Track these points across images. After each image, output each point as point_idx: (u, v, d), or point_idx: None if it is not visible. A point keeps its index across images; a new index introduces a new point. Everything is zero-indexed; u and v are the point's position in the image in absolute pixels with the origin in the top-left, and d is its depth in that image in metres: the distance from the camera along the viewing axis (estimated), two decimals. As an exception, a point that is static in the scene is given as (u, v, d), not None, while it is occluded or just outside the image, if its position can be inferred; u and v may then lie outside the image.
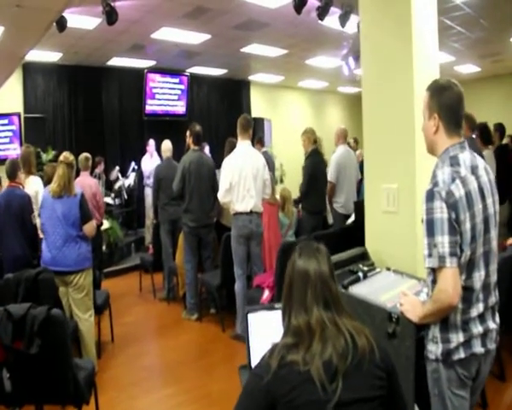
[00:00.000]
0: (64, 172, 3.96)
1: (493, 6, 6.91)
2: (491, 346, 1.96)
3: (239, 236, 4.79)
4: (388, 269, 2.74)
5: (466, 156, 1.97)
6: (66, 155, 4.06)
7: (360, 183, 6.08)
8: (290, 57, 9.96)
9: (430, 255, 1.86)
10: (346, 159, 6.10)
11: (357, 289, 2.42)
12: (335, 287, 1.58)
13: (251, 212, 4.75)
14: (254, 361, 2.19)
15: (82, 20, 6.71)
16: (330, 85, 14.20)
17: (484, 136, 5.39)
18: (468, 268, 1.89)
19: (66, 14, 5.81)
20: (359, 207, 3.61)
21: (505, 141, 6.66)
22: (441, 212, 1.84)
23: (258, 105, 13.15)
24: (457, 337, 1.89)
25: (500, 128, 6.35)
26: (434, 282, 1.92)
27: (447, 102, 1.98)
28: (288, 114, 13.97)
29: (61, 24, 5.88)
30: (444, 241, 1.82)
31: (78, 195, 4.01)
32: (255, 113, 12.87)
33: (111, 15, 5.79)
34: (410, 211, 2.87)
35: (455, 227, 1.83)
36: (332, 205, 6.10)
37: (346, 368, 1.40)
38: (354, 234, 4.48)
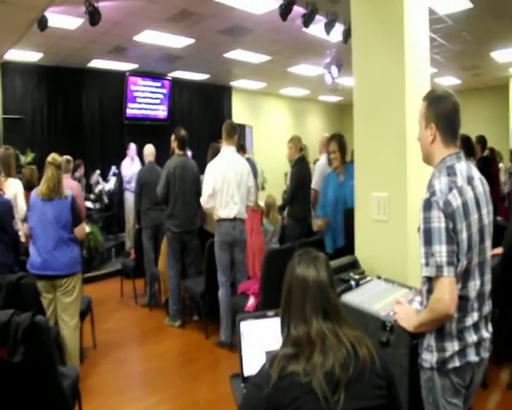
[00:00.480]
0: (53, 174, 3.86)
1: (475, 19, 7.04)
2: (485, 355, 1.99)
3: (222, 242, 4.75)
4: (379, 277, 2.73)
5: (462, 167, 1.99)
6: (54, 157, 3.95)
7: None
8: (273, 64, 9.99)
9: (427, 264, 1.87)
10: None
11: (350, 298, 2.41)
12: (335, 296, 1.57)
13: (234, 218, 4.73)
14: (247, 370, 2.17)
15: (64, 20, 6.62)
16: (311, 94, 14.30)
17: (466, 148, 5.46)
18: (463, 278, 1.91)
19: (48, 13, 5.72)
20: (348, 215, 3.61)
21: (485, 153, 6.77)
22: (439, 221, 1.84)
23: (240, 111, 13.17)
24: (453, 346, 1.90)
25: (482, 140, 6.47)
26: (430, 291, 1.93)
27: (444, 112, 2.00)
28: (269, 121, 14.02)
29: (43, 23, 5.77)
30: (441, 250, 1.83)
31: (69, 196, 3.93)
32: (236, 119, 12.84)
33: (94, 16, 5.71)
34: (401, 220, 2.88)
35: (452, 237, 1.84)
36: (315, 212, 6.11)
37: (348, 378, 1.39)
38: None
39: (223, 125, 4.97)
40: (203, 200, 4.76)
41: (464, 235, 1.87)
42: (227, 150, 4.87)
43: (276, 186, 10.37)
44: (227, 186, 4.69)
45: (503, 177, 8.33)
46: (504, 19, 6.98)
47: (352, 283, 2.57)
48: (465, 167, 2.00)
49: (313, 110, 15.96)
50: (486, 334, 2.00)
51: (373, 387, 1.44)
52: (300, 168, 6.01)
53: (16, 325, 2.55)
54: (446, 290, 1.83)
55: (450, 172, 1.95)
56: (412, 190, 2.87)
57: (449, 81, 11.76)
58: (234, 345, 4.75)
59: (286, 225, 6.16)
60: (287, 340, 1.51)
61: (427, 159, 2.09)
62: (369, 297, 2.42)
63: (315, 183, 6.02)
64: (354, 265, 2.98)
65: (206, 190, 4.71)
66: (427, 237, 1.87)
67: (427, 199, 1.90)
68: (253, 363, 2.16)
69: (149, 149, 6.48)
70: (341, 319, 1.53)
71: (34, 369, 2.62)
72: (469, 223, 1.90)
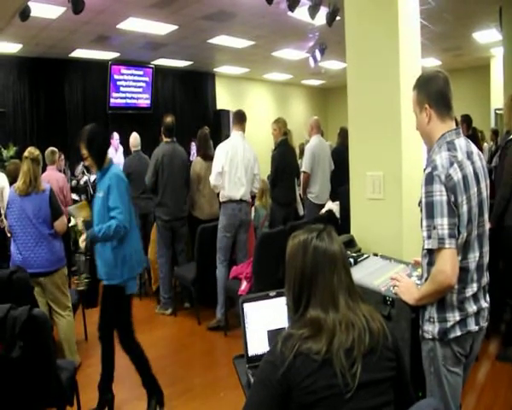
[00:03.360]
0: (29, 168, 3.76)
1: (457, 0, 7.05)
2: (484, 324, 2.04)
3: (229, 225, 4.82)
4: (376, 255, 2.76)
5: (461, 142, 2.03)
6: (30, 150, 3.86)
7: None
8: (257, 49, 9.93)
9: (429, 237, 1.89)
10: (320, 149, 6.15)
11: (351, 275, 2.42)
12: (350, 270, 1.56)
13: (241, 200, 4.83)
14: (251, 350, 2.16)
15: (44, 9, 6.47)
16: (294, 78, 14.28)
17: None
18: (463, 249, 1.94)
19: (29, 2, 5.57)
20: (344, 194, 3.63)
21: (469, 132, 6.79)
22: (441, 195, 1.87)
23: (224, 97, 13.10)
24: (454, 316, 1.95)
25: (467, 119, 6.50)
26: (430, 264, 1.96)
27: (435, 89, 2.04)
28: (252, 107, 13.94)
29: (25, 12, 5.63)
30: (443, 223, 1.86)
31: (47, 190, 3.84)
32: (220, 105, 12.83)
33: (77, 4, 5.58)
34: (397, 198, 2.91)
35: (453, 210, 1.87)
36: (306, 195, 6.13)
37: (363, 352, 1.39)
38: (329, 223, 4.53)
39: (233, 113, 5.18)
40: (212, 178, 4.83)
41: (465, 208, 1.91)
42: (236, 135, 4.99)
43: (262, 167, 10.33)
44: (235, 168, 4.80)
45: (485, 156, 8.43)
46: (485, -1, 7.02)
47: (351, 260, 2.58)
48: (464, 143, 2.03)
49: (296, 94, 15.95)
50: (485, 304, 2.04)
51: (384, 360, 1.45)
52: (281, 152, 5.99)
53: (13, 319, 2.51)
54: (448, 262, 1.86)
55: (451, 147, 1.97)
56: (407, 168, 2.91)
57: (430, 62, 11.79)
58: (227, 328, 4.79)
59: (271, 210, 6.16)
60: (301, 320, 1.46)
61: (429, 141, 2.10)
62: (369, 274, 2.44)
63: (306, 166, 6.04)
64: (351, 243, 3.00)
65: (216, 168, 4.79)
66: (429, 211, 1.89)
67: (428, 173, 1.92)
68: (255, 343, 2.16)
69: (136, 139, 6.41)
70: (357, 294, 1.52)
71: (33, 363, 2.59)
72: (469, 196, 1.93)
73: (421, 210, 1.95)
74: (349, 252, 2.73)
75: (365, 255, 2.74)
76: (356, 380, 1.35)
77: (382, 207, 2.99)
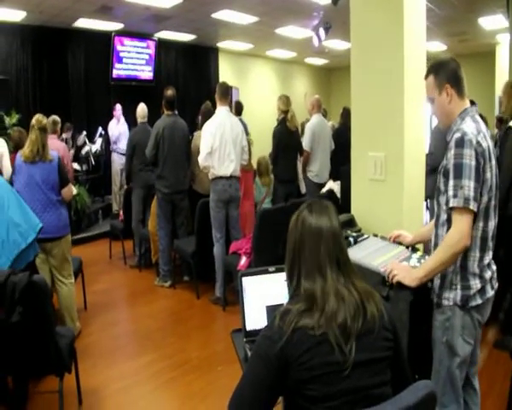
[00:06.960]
0: (37, 138, 3.76)
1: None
2: (496, 285, 2.14)
3: (219, 200, 4.82)
4: (375, 235, 2.77)
5: (479, 119, 2.12)
6: (38, 119, 3.83)
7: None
8: (261, 25, 9.79)
9: (455, 196, 1.95)
10: (321, 128, 6.13)
11: (350, 254, 2.41)
12: (346, 246, 1.58)
13: (230, 176, 4.79)
14: (249, 325, 2.19)
15: (49, -23, 6.38)
16: (298, 56, 14.13)
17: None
18: (485, 216, 2.02)
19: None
20: (345, 174, 3.64)
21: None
22: (470, 159, 1.94)
23: (226, 73, 12.95)
24: (476, 284, 2.03)
25: (471, 104, 6.46)
26: (449, 221, 2.03)
27: (453, 70, 2.14)
28: (255, 83, 13.87)
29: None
30: (470, 185, 1.93)
31: (56, 159, 3.86)
32: (223, 80, 12.66)
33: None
34: (398, 179, 2.92)
35: (480, 176, 1.95)
36: (306, 173, 6.13)
37: (359, 330, 1.40)
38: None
39: (216, 87, 4.99)
40: (201, 158, 4.77)
41: (488, 174, 1.99)
42: (222, 110, 4.90)
43: (263, 148, 10.29)
44: (224, 145, 4.74)
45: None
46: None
47: (351, 239, 2.60)
48: (481, 120, 2.12)
49: (300, 73, 15.80)
50: (494, 266, 2.15)
51: (382, 339, 1.46)
52: (279, 130, 5.95)
53: (13, 284, 2.53)
54: (467, 223, 1.94)
55: (474, 119, 2.07)
56: (409, 150, 2.91)
57: (435, 47, 11.67)
58: (225, 303, 4.85)
59: (274, 187, 6.17)
60: (297, 294, 1.49)
61: (449, 120, 2.16)
62: (368, 254, 2.45)
63: (306, 144, 6.03)
64: (351, 223, 3.02)
65: (205, 149, 4.73)
66: (458, 171, 1.95)
67: (459, 137, 1.98)
68: (254, 318, 2.19)
69: (143, 110, 6.26)
70: (352, 270, 1.54)
71: (32, 328, 2.63)
72: (491, 166, 2.02)
73: (444, 174, 2.02)
74: (349, 232, 2.75)
75: (365, 236, 2.76)
76: (352, 355, 1.36)
77: (383, 188, 3.01)
